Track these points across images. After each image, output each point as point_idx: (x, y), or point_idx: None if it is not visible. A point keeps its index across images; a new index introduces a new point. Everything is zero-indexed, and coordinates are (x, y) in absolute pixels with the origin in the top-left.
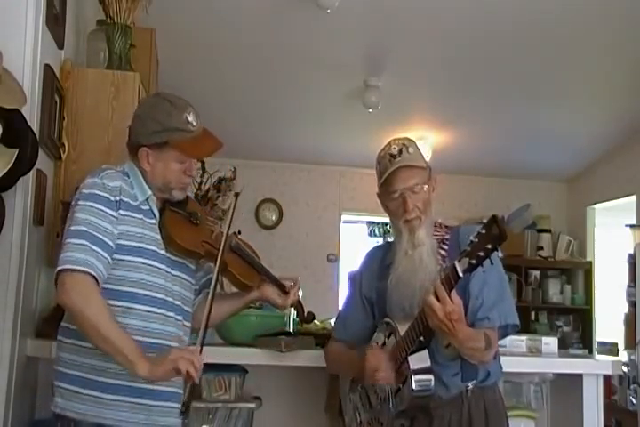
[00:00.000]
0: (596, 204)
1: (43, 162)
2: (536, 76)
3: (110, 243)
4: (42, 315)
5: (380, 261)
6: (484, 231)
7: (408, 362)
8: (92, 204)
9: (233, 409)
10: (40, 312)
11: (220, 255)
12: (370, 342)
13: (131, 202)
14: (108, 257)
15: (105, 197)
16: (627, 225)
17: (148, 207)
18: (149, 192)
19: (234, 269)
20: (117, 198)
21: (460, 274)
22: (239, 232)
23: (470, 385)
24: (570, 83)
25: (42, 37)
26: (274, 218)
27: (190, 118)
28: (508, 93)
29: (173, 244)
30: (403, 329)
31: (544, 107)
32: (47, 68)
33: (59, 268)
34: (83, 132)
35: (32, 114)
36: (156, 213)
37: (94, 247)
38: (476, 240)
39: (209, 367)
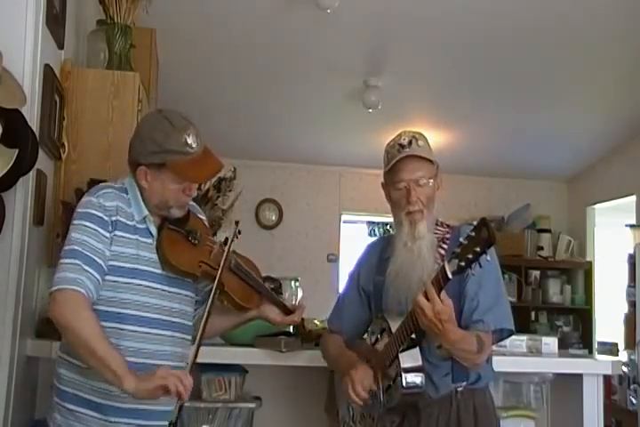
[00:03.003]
0: (596, 204)
1: (43, 162)
2: (536, 76)
3: (102, 263)
4: (42, 315)
5: (380, 254)
6: (473, 234)
7: (399, 359)
8: (86, 223)
9: (233, 409)
10: (40, 312)
11: (217, 279)
12: (363, 338)
13: (127, 222)
14: (99, 278)
15: (99, 217)
16: (627, 225)
17: (144, 226)
18: (146, 212)
19: (232, 291)
20: (113, 219)
21: (450, 275)
22: (239, 232)
23: (460, 387)
24: (570, 83)
25: (42, 37)
26: (274, 218)
27: (190, 140)
28: (508, 93)
29: (169, 265)
30: (395, 325)
31: (544, 107)
32: (47, 68)
33: (52, 289)
34: (83, 132)
35: (32, 114)
36: (154, 233)
37: (86, 267)
38: (466, 242)
39: (209, 367)
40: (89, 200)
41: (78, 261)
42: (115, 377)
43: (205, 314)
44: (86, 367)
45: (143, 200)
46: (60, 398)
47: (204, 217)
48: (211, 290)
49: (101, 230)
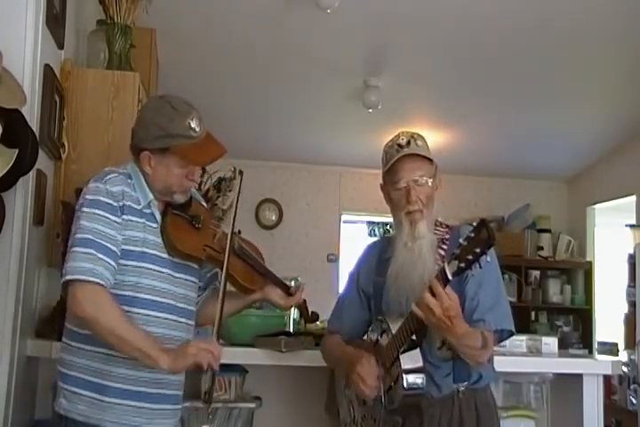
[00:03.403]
0: (596, 204)
1: (43, 162)
2: (536, 76)
3: (116, 249)
4: (42, 315)
5: (379, 255)
6: (472, 235)
7: (400, 361)
8: (96, 210)
9: (233, 409)
10: (40, 312)
11: (226, 258)
12: (363, 339)
13: (134, 206)
14: (115, 264)
15: (109, 204)
16: (627, 225)
17: (150, 211)
18: (151, 196)
19: (236, 273)
20: (121, 204)
21: (450, 277)
22: (239, 232)
23: (462, 387)
24: (570, 83)
25: (42, 37)
26: (274, 218)
27: (193, 124)
28: (508, 93)
29: (174, 249)
30: (395, 327)
31: (544, 107)
32: (47, 68)
33: (68, 277)
34: (83, 132)
35: (32, 114)
36: (158, 218)
37: (101, 256)
38: (466, 243)
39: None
40: (96, 187)
41: (93, 251)
42: (149, 359)
43: (222, 285)
44: (88, 350)
45: (147, 185)
46: (64, 383)
47: (204, 202)
48: (214, 275)
49: (112, 217)
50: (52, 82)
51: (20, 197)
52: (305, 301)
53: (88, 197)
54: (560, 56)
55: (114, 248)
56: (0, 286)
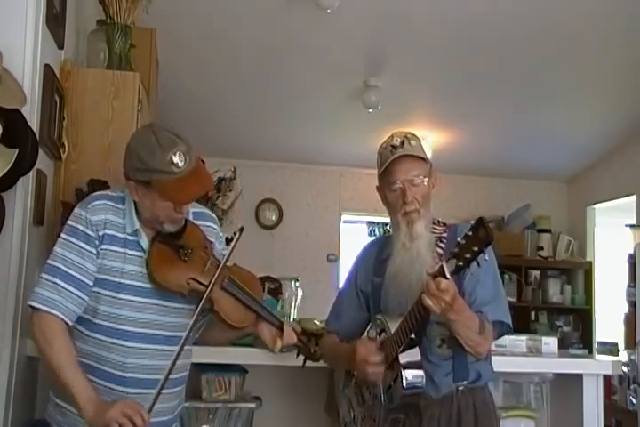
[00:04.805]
0: (596, 204)
1: (43, 162)
2: (536, 76)
3: (85, 280)
4: None
5: (377, 254)
6: (470, 233)
7: (399, 359)
8: (71, 239)
9: (233, 409)
10: None
11: (202, 300)
12: (362, 337)
13: (116, 234)
14: (81, 294)
15: (85, 233)
16: (627, 225)
17: (135, 238)
18: (137, 225)
19: (221, 310)
20: (100, 233)
21: (448, 275)
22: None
23: (461, 386)
24: (570, 83)
25: (42, 37)
26: (274, 218)
27: (175, 159)
28: (508, 93)
29: (155, 282)
30: (394, 326)
31: (544, 107)
32: (47, 68)
33: (28, 302)
34: (83, 132)
35: (32, 114)
36: (145, 246)
37: (65, 286)
38: (464, 242)
39: (209, 367)
40: (78, 213)
41: (57, 280)
42: (77, 406)
43: (181, 343)
44: None
45: (137, 212)
46: (52, 393)
47: (212, 224)
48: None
49: (86, 246)
50: (52, 82)
51: (20, 197)
52: (309, 339)
53: (69, 222)
54: (560, 56)
55: (83, 278)
56: (0, 286)
